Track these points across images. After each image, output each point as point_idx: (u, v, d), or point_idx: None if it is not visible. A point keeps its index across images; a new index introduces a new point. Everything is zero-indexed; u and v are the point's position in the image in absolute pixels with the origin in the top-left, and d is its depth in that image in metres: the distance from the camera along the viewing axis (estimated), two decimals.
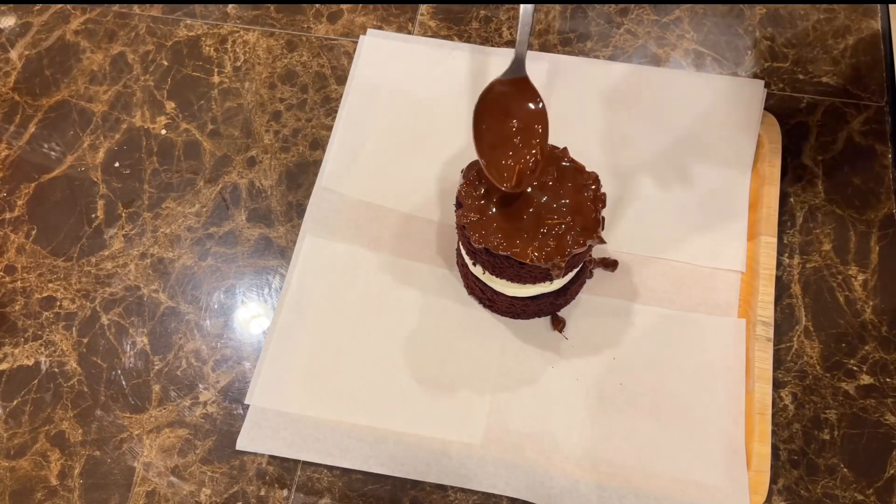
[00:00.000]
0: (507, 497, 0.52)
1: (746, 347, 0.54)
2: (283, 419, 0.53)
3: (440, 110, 0.64)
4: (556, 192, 0.49)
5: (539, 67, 0.65)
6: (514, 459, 0.51)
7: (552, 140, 0.52)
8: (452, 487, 0.52)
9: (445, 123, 0.64)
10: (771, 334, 0.54)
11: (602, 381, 0.54)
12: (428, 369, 0.55)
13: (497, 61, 0.66)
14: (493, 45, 0.68)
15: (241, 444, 0.52)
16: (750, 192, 0.60)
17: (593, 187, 0.49)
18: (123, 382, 0.56)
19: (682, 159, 0.61)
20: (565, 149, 0.50)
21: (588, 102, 0.64)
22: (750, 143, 0.61)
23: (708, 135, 0.62)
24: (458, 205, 0.50)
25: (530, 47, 0.68)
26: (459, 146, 0.62)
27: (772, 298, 0.55)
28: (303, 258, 0.58)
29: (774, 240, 0.57)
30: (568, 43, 0.68)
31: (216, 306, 0.59)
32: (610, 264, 0.57)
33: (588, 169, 0.50)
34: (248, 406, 0.53)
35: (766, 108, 0.62)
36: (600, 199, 0.48)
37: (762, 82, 0.62)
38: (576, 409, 0.53)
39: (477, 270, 0.52)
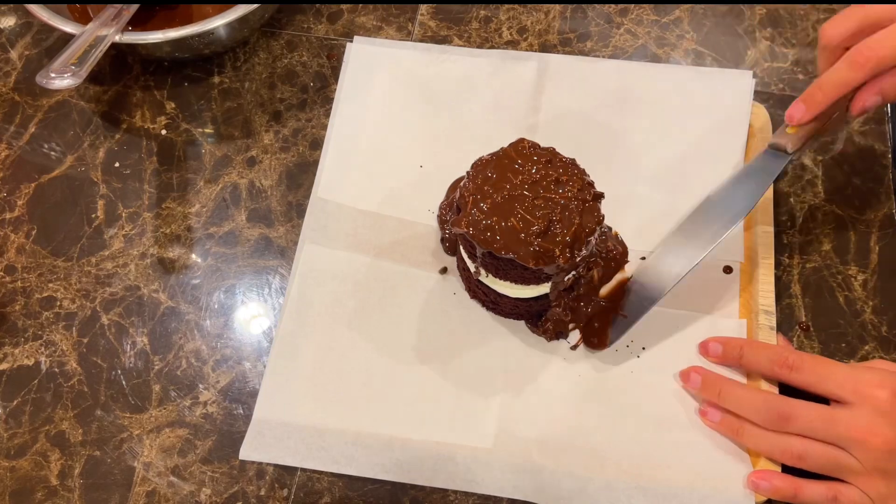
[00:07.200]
0: (506, 498, 0.51)
1: None
2: (287, 428, 0.52)
3: (432, 114, 0.64)
4: (559, 192, 0.48)
5: (535, 67, 0.65)
6: (522, 463, 0.51)
7: (551, 141, 0.52)
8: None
9: (439, 128, 0.63)
10: (773, 322, 0.54)
11: (606, 381, 0.54)
12: (432, 374, 0.54)
13: (486, 63, 0.65)
14: (492, 46, 0.68)
15: (245, 454, 0.52)
16: None
17: (596, 203, 0.49)
18: (123, 382, 0.56)
19: (676, 154, 0.61)
20: (555, 149, 0.50)
21: (582, 100, 0.63)
22: (740, 135, 0.61)
23: (700, 127, 0.62)
24: (457, 209, 0.50)
25: (530, 47, 0.68)
26: (454, 149, 0.62)
27: (772, 288, 0.55)
28: (302, 267, 0.58)
29: (771, 228, 0.57)
30: (568, 43, 0.68)
31: (216, 306, 0.59)
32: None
33: (583, 166, 0.50)
34: (249, 406, 0.53)
35: (766, 109, 0.62)
36: (598, 216, 0.49)
37: (750, 72, 0.63)
38: (581, 410, 0.53)
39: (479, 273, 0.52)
